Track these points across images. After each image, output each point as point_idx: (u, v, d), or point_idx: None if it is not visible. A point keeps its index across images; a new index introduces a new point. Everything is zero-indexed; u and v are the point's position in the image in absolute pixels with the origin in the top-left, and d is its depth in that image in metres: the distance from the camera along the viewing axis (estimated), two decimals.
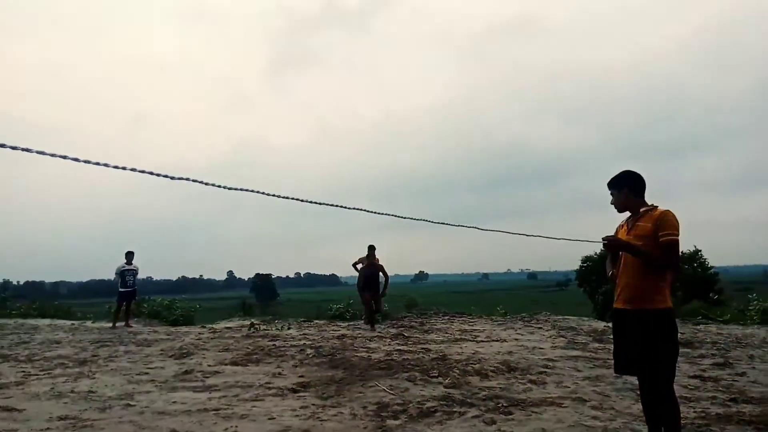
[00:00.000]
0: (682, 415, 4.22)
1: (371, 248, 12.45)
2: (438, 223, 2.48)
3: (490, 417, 4.90)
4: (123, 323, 13.35)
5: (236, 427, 4.75)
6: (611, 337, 8.36)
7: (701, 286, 25.50)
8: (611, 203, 3.91)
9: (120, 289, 13.44)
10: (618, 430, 4.42)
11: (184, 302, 17.03)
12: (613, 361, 4.02)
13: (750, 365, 6.64)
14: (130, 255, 13.64)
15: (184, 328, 13.04)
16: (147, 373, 7.15)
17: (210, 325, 13.37)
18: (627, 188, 3.79)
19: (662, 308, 3.58)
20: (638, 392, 5.04)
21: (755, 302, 11.51)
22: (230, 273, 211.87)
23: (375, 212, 1.97)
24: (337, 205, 1.80)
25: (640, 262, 3.61)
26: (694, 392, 5.52)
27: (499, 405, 5.25)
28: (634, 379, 5.82)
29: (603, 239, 3.78)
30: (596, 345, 8.69)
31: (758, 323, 10.71)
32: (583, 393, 5.65)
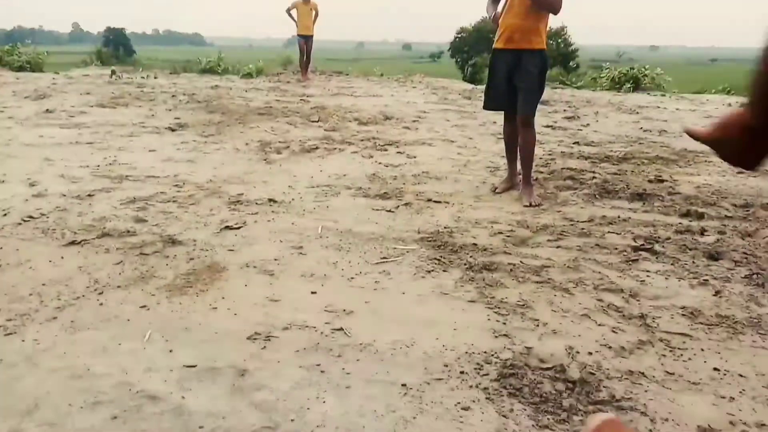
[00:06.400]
0: None
1: None
2: None
3: (368, 152, 5.26)
4: None
5: (115, 157, 4.70)
6: (480, 95, 8.79)
7: (562, 60, 27.08)
8: None
9: None
10: (479, 162, 4.99)
11: (30, 48, 15.10)
12: (483, 99, 4.32)
13: (595, 119, 7.52)
14: None
15: (34, 75, 11.81)
16: (2, 112, 6.60)
17: (64, 73, 12.20)
18: None
19: (538, 48, 3.85)
20: (499, 136, 5.63)
21: (607, 70, 12.59)
22: (75, 25, 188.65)
23: None
24: None
25: (526, 4, 3.74)
26: (545, 137, 6.22)
27: (376, 144, 5.62)
28: (496, 127, 6.44)
29: None
30: (465, 101, 9.25)
31: (607, 89, 11.88)
32: (451, 136, 6.17)
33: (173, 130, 5.89)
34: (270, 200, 3.75)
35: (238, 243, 3.04)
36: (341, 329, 2.19)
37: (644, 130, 6.68)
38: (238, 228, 3.24)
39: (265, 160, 4.87)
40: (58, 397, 1.74)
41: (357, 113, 7.44)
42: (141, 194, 3.75)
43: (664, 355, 2.04)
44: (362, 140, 5.79)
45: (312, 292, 2.50)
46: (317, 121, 6.70)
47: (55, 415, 1.66)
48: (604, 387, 1.85)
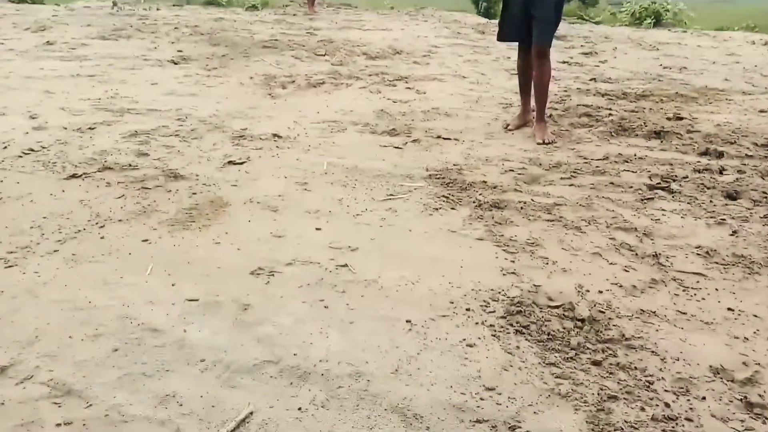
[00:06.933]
0: None
1: None
2: None
3: (376, 88, 5.10)
4: None
5: (117, 90, 4.58)
6: (493, 30, 8.47)
7: None
8: None
9: None
10: (491, 98, 4.84)
11: None
12: (496, 32, 4.17)
13: (613, 55, 7.23)
14: None
15: (34, 6, 11.49)
16: (2, 44, 6.43)
17: (65, 4, 11.85)
18: None
19: None
20: (512, 72, 5.43)
21: (627, 4, 12.03)
22: None
23: None
24: None
25: None
26: (560, 73, 6.00)
27: (385, 79, 5.44)
28: (510, 63, 6.21)
29: None
30: (478, 36, 8.93)
31: (626, 25, 11.41)
32: (463, 72, 5.96)
33: (176, 63, 5.72)
34: (274, 135, 3.65)
35: (242, 178, 2.97)
36: (346, 265, 2.15)
37: (664, 67, 6.42)
38: (242, 163, 3.16)
39: (269, 94, 4.73)
40: (58, 328, 1.73)
41: (365, 47, 7.19)
42: (143, 128, 3.66)
43: (677, 295, 1.99)
44: (370, 75, 5.61)
45: (317, 229, 2.45)
46: (324, 55, 6.49)
47: (55, 346, 1.65)
48: (614, 325, 1.81)
